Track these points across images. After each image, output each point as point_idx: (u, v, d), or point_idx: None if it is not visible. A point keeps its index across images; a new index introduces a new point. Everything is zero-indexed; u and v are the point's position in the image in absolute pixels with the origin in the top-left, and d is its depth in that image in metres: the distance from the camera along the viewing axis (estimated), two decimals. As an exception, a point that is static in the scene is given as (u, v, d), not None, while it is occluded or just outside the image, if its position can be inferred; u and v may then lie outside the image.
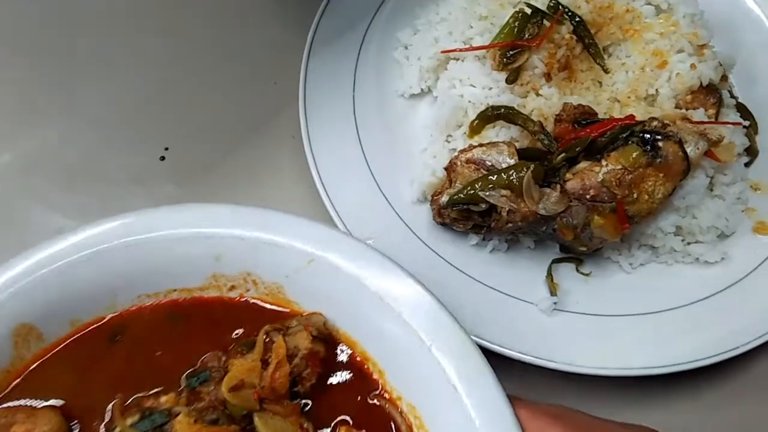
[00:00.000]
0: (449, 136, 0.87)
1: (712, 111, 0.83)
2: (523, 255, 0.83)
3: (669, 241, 0.80)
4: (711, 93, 0.85)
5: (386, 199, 0.84)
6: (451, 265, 0.81)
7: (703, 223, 0.80)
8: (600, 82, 0.89)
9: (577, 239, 0.77)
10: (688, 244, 0.81)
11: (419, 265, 0.80)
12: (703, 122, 0.80)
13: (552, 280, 0.79)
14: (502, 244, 0.83)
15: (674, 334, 0.77)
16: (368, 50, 0.94)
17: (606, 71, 0.87)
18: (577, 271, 0.81)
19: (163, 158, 0.93)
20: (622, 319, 0.78)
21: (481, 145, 0.80)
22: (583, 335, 0.77)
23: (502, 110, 0.82)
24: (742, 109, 0.89)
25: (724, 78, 0.89)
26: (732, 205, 0.82)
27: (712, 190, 0.83)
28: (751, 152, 0.87)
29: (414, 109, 0.93)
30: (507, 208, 0.75)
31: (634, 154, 0.73)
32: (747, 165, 0.87)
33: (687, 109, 0.83)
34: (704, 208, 0.80)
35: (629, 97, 0.85)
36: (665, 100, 0.84)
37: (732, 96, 0.90)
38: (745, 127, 0.86)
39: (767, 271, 0.80)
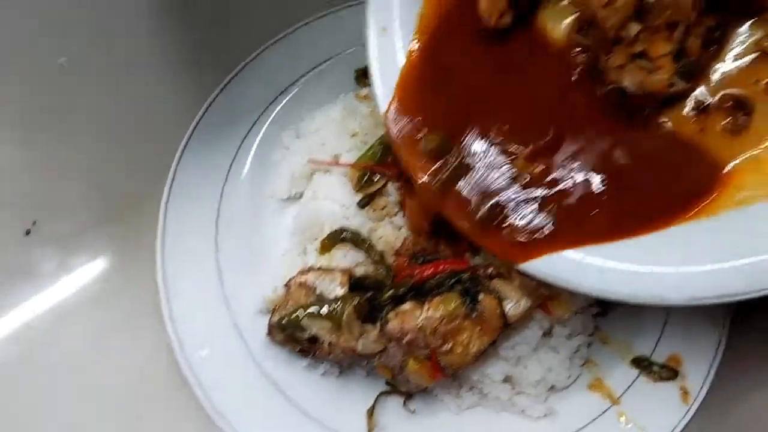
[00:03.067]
0: (306, 248, 0.87)
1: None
2: (354, 382, 0.82)
3: (495, 389, 0.79)
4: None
5: (227, 307, 0.84)
6: (275, 386, 0.80)
7: (532, 376, 0.79)
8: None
9: (396, 379, 0.76)
10: (518, 393, 0.80)
11: (246, 384, 0.80)
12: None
13: (371, 415, 0.78)
14: (334, 369, 0.82)
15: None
16: (250, 146, 0.96)
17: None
18: (404, 406, 0.80)
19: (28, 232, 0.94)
20: (436, 464, 0.77)
21: (318, 269, 0.80)
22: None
23: (349, 234, 0.82)
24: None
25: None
26: (567, 359, 0.81)
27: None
28: (602, 305, 0.86)
29: (284, 213, 0.93)
30: (327, 340, 0.75)
31: (453, 304, 0.73)
32: (600, 315, 0.86)
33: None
34: (535, 360, 0.79)
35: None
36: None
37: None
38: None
39: (593, 431, 0.79)
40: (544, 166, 0.59)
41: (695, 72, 0.60)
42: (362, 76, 1.01)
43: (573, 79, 0.60)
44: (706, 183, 0.59)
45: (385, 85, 0.65)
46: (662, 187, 0.59)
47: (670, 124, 0.60)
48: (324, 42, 0.98)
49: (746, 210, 0.60)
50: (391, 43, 0.65)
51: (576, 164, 0.59)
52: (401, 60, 0.64)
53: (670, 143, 0.60)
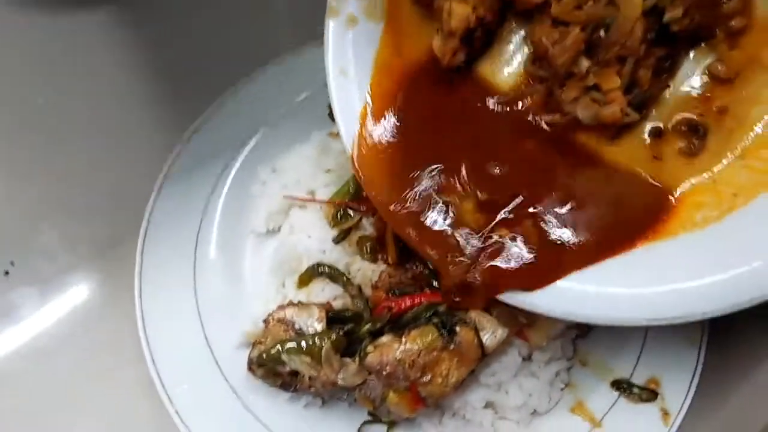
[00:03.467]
0: (284, 282, 0.88)
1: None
2: (338, 411, 0.83)
3: (478, 415, 0.79)
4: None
5: (207, 342, 0.85)
6: (258, 420, 0.80)
7: (513, 402, 0.79)
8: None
9: (377, 410, 0.77)
10: (500, 418, 0.81)
11: (228, 417, 0.80)
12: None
13: (355, 446, 0.79)
14: (316, 400, 0.82)
15: None
16: (226, 182, 0.96)
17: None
18: (388, 435, 0.81)
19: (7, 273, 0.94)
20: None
21: (296, 304, 0.81)
22: None
23: (326, 269, 0.83)
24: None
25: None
26: (548, 384, 0.81)
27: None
28: (581, 328, 0.87)
29: (262, 247, 0.94)
30: (308, 375, 0.76)
31: (431, 336, 0.73)
32: (580, 337, 0.87)
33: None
34: (516, 385, 0.80)
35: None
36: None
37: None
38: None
39: (576, 455, 0.79)
40: (497, 213, 0.60)
41: (647, 102, 0.62)
42: (333, 112, 1.03)
43: (527, 118, 0.62)
44: (661, 207, 0.60)
45: (347, 127, 0.66)
46: (619, 216, 0.61)
47: (624, 152, 0.62)
48: (299, 78, 0.99)
49: (704, 230, 0.62)
50: (350, 86, 0.66)
51: (527, 204, 0.61)
52: (360, 103, 0.66)
53: (624, 172, 0.61)
